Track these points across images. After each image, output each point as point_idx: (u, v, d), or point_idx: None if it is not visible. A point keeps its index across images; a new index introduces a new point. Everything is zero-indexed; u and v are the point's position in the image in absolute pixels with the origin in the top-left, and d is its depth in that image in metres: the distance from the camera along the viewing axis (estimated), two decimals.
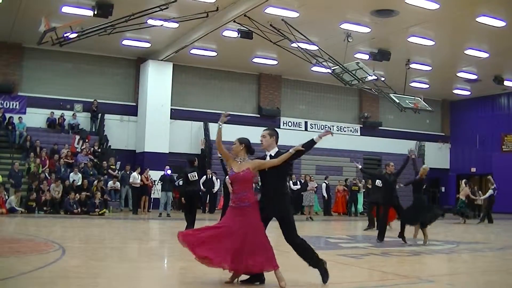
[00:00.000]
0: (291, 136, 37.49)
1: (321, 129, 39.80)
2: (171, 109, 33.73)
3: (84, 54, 32.68)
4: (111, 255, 13.17)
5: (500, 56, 31.73)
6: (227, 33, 28.07)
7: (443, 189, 43.06)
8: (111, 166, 30.21)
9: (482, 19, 25.49)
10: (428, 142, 44.36)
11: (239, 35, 26.81)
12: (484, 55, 31.34)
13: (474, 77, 37.27)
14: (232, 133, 35.73)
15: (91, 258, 11.89)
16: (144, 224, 24.49)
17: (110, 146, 32.97)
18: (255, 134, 35.64)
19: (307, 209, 29.37)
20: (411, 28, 27.49)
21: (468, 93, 42.69)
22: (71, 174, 28.08)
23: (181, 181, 21.70)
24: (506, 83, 37.75)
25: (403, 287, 9.84)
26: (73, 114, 32.38)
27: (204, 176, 29.43)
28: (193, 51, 31.99)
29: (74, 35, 23.88)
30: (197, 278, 9.96)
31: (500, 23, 25.82)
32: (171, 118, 33.72)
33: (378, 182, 22.27)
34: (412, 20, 26.30)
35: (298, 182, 32.49)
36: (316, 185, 31.48)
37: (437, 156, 44.77)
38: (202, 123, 35.46)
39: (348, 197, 33.53)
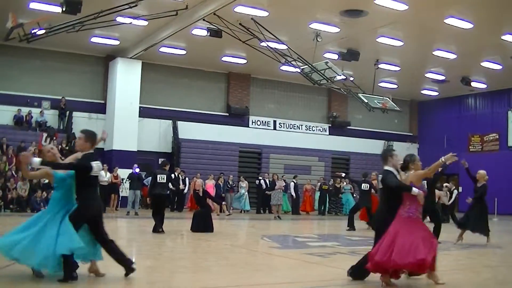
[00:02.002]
0: (259, 135, 37.66)
1: (290, 128, 39.89)
2: (140, 107, 33.53)
3: (52, 51, 32.35)
4: None
5: (468, 58, 32.02)
6: (196, 31, 27.98)
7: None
8: None
9: (450, 21, 25.68)
10: (396, 142, 44.55)
11: (209, 34, 26.73)
12: (452, 56, 31.60)
13: (442, 77, 37.55)
14: (201, 131, 35.92)
15: None
16: (111, 222, 24.27)
17: None
18: (223, 132, 35.85)
19: (275, 208, 29.40)
20: (380, 29, 27.62)
21: (436, 93, 43.02)
22: None
23: (150, 181, 21.60)
24: (473, 84, 38.10)
25: (369, 286, 9.89)
26: (40, 112, 31.99)
27: (172, 175, 29.35)
28: (162, 49, 31.87)
29: (42, 31, 23.66)
30: (164, 277, 9.93)
31: (467, 25, 26.04)
32: (139, 116, 33.52)
33: (364, 186, 22.41)
34: (381, 21, 26.43)
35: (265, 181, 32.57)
36: (284, 184, 31.55)
37: (405, 155, 44.96)
38: (171, 121, 35.32)
39: (319, 197, 33.64)
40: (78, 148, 9.51)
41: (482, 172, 17.44)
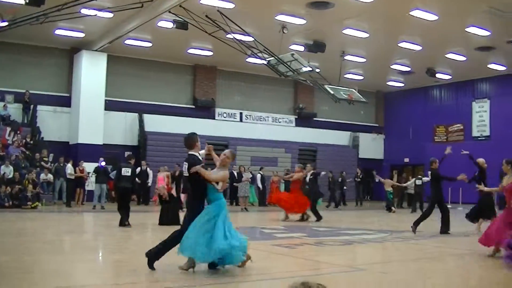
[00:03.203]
0: (226, 127, 37.64)
1: (256, 120, 39.90)
2: (106, 100, 33.25)
3: (15, 43, 31.90)
4: (44, 249, 12.96)
5: (433, 49, 32.27)
6: (162, 23, 27.84)
7: (377, 179, 43.60)
8: (44, 158, 29.65)
9: (415, 13, 25.85)
10: (362, 133, 44.87)
11: (175, 26, 26.59)
12: (417, 47, 31.83)
13: (407, 69, 37.82)
14: (167, 124, 35.72)
15: (23, 253, 11.71)
16: (78, 216, 24.21)
17: (42, 138, 32.28)
18: (189, 125, 35.61)
19: (242, 200, 29.46)
20: (346, 21, 27.71)
21: (401, 84, 43.29)
22: (2, 166, 27.46)
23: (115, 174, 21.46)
24: (438, 75, 38.46)
25: (337, 276, 9.94)
26: (4, 105, 31.53)
27: (138, 168, 29.22)
28: (128, 42, 31.65)
29: (5, 23, 23.40)
30: (131, 270, 9.87)
31: (432, 17, 26.22)
32: (105, 110, 33.25)
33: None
34: (347, 13, 26.52)
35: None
36: (251, 176, 31.58)
37: (371, 146, 45.34)
38: (137, 114, 35.14)
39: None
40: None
41: (481, 160, 18.37)
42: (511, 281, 9.74)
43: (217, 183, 9.76)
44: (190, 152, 10.27)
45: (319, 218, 22.38)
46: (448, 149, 18.52)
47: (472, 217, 18.33)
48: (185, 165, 10.00)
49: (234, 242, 9.50)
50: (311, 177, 23.35)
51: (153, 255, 9.73)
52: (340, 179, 36.34)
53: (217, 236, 9.37)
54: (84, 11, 24.39)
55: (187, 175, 9.95)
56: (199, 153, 10.36)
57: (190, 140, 10.43)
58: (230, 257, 9.55)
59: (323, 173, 34.36)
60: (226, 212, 9.81)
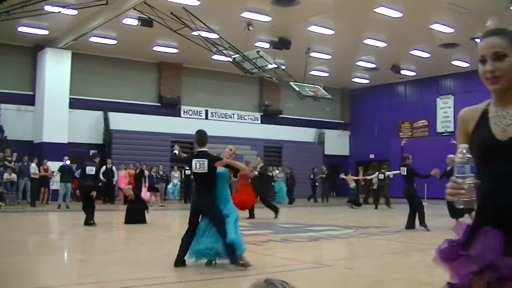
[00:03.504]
0: (191, 124, 37.47)
1: (222, 117, 39.85)
2: (70, 98, 32.94)
3: None
4: (9, 250, 12.81)
5: (397, 46, 32.49)
6: (127, 21, 27.65)
7: (341, 176, 43.86)
8: (7, 158, 29.25)
9: (380, 10, 26.00)
10: (328, 129, 45.02)
11: (139, 23, 26.44)
12: (382, 44, 32.02)
13: (372, 65, 38.02)
14: (133, 122, 35.56)
15: None
16: (42, 216, 24.02)
17: (6, 137, 31.89)
18: (154, 123, 35.55)
19: None
20: (311, 18, 27.76)
21: (367, 81, 43.54)
22: None
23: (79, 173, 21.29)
24: (403, 72, 38.74)
25: (303, 272, 9.96)
26: None
27: (104, 167, 29.06)
28: (93, 39, 31.37)
29: None
30: (96, 270, 9.82)
31: (397, 14, 26.39)
32: (70, 108, 32.94)
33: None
34: (312, 10, 26.56)
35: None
36: None
37: (337, 143, 45.53)
38: (102, 112, 34.89)
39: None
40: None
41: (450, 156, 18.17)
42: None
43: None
44: (202, 149, 10.76)
45: (275, 211, 22.26)
46: (404, 141, 18.95)
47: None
48: (205, 162, 10.32)
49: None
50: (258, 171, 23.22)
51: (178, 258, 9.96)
52: (312, 176, 36.61)
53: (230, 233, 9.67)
54: (47, 8, 24.15)
55: (207, 171, 10.23)
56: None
57: (205, 137, 11.04)
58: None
59: (276, 171, 34.58)
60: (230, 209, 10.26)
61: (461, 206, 2.95)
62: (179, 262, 9.89)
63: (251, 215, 22.11)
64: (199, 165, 10.35)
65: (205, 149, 10.66)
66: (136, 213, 18.84)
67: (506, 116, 3.11)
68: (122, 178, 29.52)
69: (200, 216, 10.30)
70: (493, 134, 3.06)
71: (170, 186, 32.53)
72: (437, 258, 3.20)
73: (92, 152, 20.40)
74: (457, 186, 2.92)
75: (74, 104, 33.26)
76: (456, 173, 2.95)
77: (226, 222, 9.80)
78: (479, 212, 3.07)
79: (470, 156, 2.95)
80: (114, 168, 30.72)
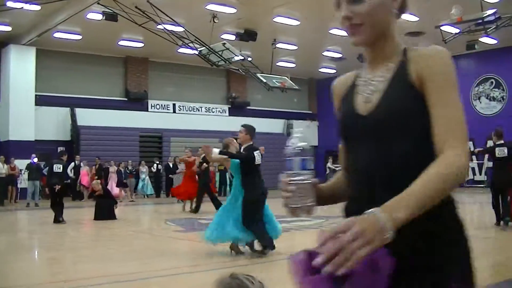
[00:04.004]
0: (159, 118, 37.39)
1: (190, 110, 39.71)
2: (36, 95, 32.62)
3: None
4: None
5: None
6: (91, 15, 27.39)
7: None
8: None
9: None
10: (296, 120, 45.06)
11: (104, 18, 26.21)
12: None
13: (339, 55, 38.11)
14: (100, 118, 35.17)
15: None
16: (11, 215, 23.81)
17: None
18: (122, 118, 35.22)
19: None
20: (277, 9, 27.73)
21: (333, 71, 43.59)
22: None
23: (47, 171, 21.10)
24: None
25: (275, 264, 9.97)
26: None
27: (72, 163, 28.86)
28: (57, 35, 31.03)
29: None
30: (66, 268, 9.75)
31: None
32: (36, 105, 32.63)
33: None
34: (277, 0, 26.54)
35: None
36: None
37: (305, 134, 45.51)
38: (69, 108, 34.56)
39: (219, 178, 33.72)
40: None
41: None
42: None
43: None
44: (247, 145, 11.37)
45: (195, 210, 21.88)
46: None
47: None
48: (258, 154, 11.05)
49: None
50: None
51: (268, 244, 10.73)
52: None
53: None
54: (10, 3, 23.84)
55: (260, 163, 11.05)
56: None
57: (254, 131, 11.74)
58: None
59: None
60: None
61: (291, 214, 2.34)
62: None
63: (196, 208, 21.71)
64: (258, 156, 11.16)
65: (251, 144, 11.36)
66: (105, 209, 18.77)
67: (373, 81, 2.40)
68: (84, 175, 29.37)
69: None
70: (354, 106, 2.44)
71: (139, 181, 32.45)
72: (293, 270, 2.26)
73: (60, 149, 20.25)
74: (283, 187, 2.28)
75: (40, 101, 32.92)
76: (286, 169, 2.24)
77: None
78: (344, 214, 2.53)
79: (302, 145, 2.36)
80: (82, 164, 30.51)
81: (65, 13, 26.37)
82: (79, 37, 31.69)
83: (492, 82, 36.76)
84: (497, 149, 15.28)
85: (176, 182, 29.30)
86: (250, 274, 2.67)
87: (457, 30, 27.70)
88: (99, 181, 20.96)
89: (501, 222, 15.16)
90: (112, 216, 18.83)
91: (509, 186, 14.90)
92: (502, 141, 15.46)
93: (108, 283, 8.44)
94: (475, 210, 22.87)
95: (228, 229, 10.41)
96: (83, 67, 35.60)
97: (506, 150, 14.95)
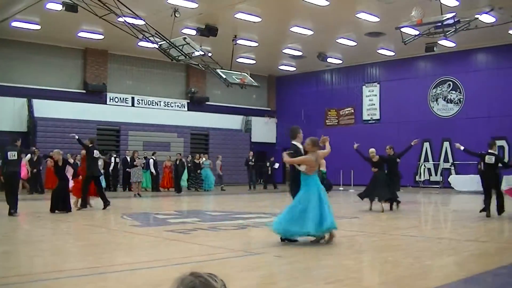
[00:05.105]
0: (118, 112, 37.13)
1: (148, 104, 39.51)
2: None
3: None
4: None
5: (324, 34, 32.77)
6: (50, 5, 27.03)
7: (277, 165, 44.08)
8: None
9: None
10: (254, 117, 45.13)
11: (64, 8, 25.88)
12: (309, 32, 32.22)
13: (299, 53, 38.26)
14: (57, 109, 34.77)
15: None
16: None
17: None
18: (80, 110, 34.85)
19: (135, 186, 29.22)
20: (238, 5, 27.71)
21: (293, 69, 43.79)
22: None
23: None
24: (329, 60, 39.14)
25: (232, 260, 9.96)
26: None
27: (29, 155, 28.46)
28: (15, 24, 30.61)
29: None
30: (20, 262, 9.61)
31: (323, 2, 26.56)
32: None
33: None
34: None
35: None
36: (144, 161, 31.33)
37: (263, 130, 45.69)
38: (25, 99, 34.11)
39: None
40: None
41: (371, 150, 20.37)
42: (402, 259, 9.96)
43: (299, 165, 11.54)
44: (293, 142, 12.01)
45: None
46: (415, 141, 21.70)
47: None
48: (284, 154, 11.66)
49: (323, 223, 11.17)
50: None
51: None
52: (268, 164, 38.09)
53: (308, 219, 11.13)
54: None
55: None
56: (300, 143, 12.01)
57: (294, 131, 12.13)
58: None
59: (203, 159, 34.72)
60: (317, 195, 11.36)
61: None
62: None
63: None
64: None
65: (295, 142, 11.98)
66: (61, 200, 18.59)
67: None
68: (23, 166, 28.96)
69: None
70: None
71: None
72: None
73: (12, 137, 19.75)
74: None
75: None
76: None
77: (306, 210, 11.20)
78: None
79: None
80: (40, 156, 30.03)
81: (23, 2, 26.13)
82: (37, 27, 31.30)
83: (449, 85, 37.19)
84: (487, 156, 18.29)
85: (134, 176, 29.16)
86: (211, 273, 2.64)
87: (417, 32, 27.96)
88: (59, 150, 20.30)
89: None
90: (66, 207, 18.67)
91: (496, 185, 18.39)
92: (492, 151, 18.38)
93: (64, 277, 8.34)
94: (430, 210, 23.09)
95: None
96: (41, 57, 35.23)
97: (493, 159, 18.09)
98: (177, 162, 32.65)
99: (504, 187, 20.23)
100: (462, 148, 19.37)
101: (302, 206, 11.28)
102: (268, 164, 38.67)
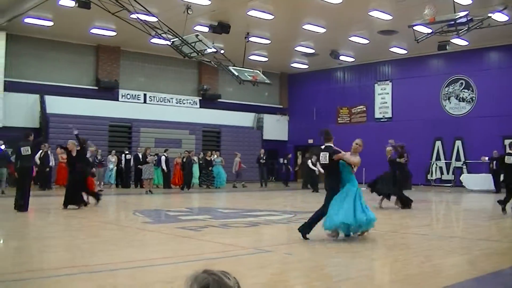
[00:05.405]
0: (129, 108, 37.16)
1: (160, 101, 39.54)
2: (5, 81, 32.23)
3: None
4: None
5: (336, 32, 32.70)
6: (64, 2, 27.06)
7: (281, 160, 44.00)
8: None
9: None
10: (266, 114, 45.09)
11: (77, 5, 25.86)
12: (321, 30, 32.13)
13: (311, 51, 38.19)
14: (70, 106, 34.83)
15: None
16: None
17: None
18: (92, 106, 34.89)
19: (146, 182, 29.27)
20: (251, 2, 27.68)
21: (305, 66, 43.70)
22: None
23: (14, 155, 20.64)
24: (341, 57, 39.04)
25: (242, 258, 9.95)
26: None
27: (40, 151, 28.52)
28: (28, 20, 30.63)
29: None
30: (32, 257, 9.64)
31: (336, 0, 26.49)
32: (5, 91, 32.25)
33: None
34: None
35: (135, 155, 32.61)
36: (156, 158, 31.36)
37: (275, 128, 45.65)
38: (38, 95, 34.18)
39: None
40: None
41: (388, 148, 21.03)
42: (413, 258, 9.94)
43: (354, 166, 12.31)
44: (327, 144, 12.51)
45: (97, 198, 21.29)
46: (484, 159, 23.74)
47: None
48: (326, 155, 12.27)
49: (361, 217, 11.82)
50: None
51: (304, 229, 12.02)
52: (285, 161, 38.63)
53: (349, 211, 11.75)
54: None
55: (327, 162, 12.25)
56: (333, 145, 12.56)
57: (329, 134, 12.70)
58: (356, 228, 12.05)
59: (215, 156, 34.74)
60: (359, 191, 12.19)
61: None
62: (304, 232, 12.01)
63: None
64: (323, 158, 12.38)
65: (329, 144, 12.47)
66: (74, 195, 18.65)
67: None
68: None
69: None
70: None
71: (107, 171, 32.29)
72: None
73: (25, 132, 19.76)
74: None
75: (9, 87, 32.56)
76: None
77: (349, 202, 11.88)
78: None
79: None
80: (49, 152, 30.07)
81: None
82: (50, 23, 31.34)
83: (462, 83, 37.03)
84: (506, 157, 18.81)
85: (145, 173, 29.23)
86: (224, 270, 2.65)
87: (430, 30, 27.87)
88: (75, 141, 20.28)
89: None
90: (82, 201, 18.78)
91: None
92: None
93: (76, 273, 8.36)
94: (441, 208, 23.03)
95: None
96: (54, 54, 35.28)
97: None
98: (184, 160, 32.55)
99: None
100: (487, 159, 19.92)
101: (348, 197, 11.97)
102: (285, 161, 38.74)
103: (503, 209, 18.12)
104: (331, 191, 12.16)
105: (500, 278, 8.44)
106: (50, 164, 29.95)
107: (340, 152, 12.23)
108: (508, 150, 18.97)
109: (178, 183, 33.20)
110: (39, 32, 33.29)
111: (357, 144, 12.37)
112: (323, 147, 12.58)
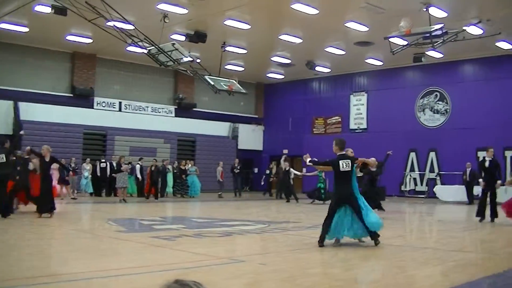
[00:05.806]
0: (105, 116, 37.00)
1: (136, 109, 39.43)
2: None
3: None
4: None
5: (313, 42, 32.84)
6: (39, 8, 26.91)
7: (256, 170, 44.00)
8: None
9: (296, 6, 26.13)
10: (242, 124, 45.12)
11: (53, 11, 25.78)
12: (298, 40, 32.25)
13: (287, 61, 38.31)
14: (44, 113, 34.58)
15: None
16: None
17: None
18: (67, 114, 34.71)
19: (120, 191, 29.16)
20: (228, 12, 27.73)
21: (281, 76, 43.82)
22: None
23: None
24: (317, 68, 39.19)
25: (215, 268, 9.93)
26: None
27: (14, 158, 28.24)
28: (3, 26, 30.42)
29: None
30: (6, 266, 9.55)
31: (313, 11, 26.60)
32: None
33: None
34: (229, 4, 26.54)
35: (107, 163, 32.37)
36: (130, 166, 31.24)
37: (250, 137, 45.68)
38: (12, 102, 33.91)
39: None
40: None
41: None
42: (387, 268, 9.97)
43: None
44: (343, 153, 13.07)
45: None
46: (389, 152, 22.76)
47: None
48: (348, 162, 12.75)
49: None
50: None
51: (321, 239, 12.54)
52: (268, 172, 38.65)
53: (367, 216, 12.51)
54: None
55: (349, 169, 12.72)
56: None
57: (344, 143, 13.34)
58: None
59: (189, 165, 34.61)
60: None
61: None
62: (322, 242, 12.46)
63: None
64: (345, 165, 12.72)
65: (343, 153, 13.10)
66: (45, 202, 18.50)
67: None
68: None
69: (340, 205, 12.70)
70: None
71: (82, 179, 32.10)
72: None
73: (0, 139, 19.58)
74: None
75: None
76: None
77: (365, 208, 12.59)
78: None
79: None
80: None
81: (12, 4, 25.97)
82: (25, 29, 31.14)
83: (436, 95, 37.32)
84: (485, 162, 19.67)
85: (119, 181, 29.10)
86: (196, 280, 2.63)
87: (405, 42, 28.12)
88: (49, 147, 20.10)
89: None
90: (52, 208, 18.62)
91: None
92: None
93: (50, 282, 8.29)
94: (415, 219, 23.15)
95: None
96: (29, 60, 35.07)
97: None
98: (153, 169, 32.08)
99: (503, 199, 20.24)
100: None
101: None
102: (268, 172, 38.75)
103: (481, 219, 19.12)
104: (358, 199, 12.70)
105: None
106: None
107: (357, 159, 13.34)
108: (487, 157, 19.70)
109: (152, 192, 33.05)
110: (14, 38, 33.08)
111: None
112: (338, 154, 12.97)
